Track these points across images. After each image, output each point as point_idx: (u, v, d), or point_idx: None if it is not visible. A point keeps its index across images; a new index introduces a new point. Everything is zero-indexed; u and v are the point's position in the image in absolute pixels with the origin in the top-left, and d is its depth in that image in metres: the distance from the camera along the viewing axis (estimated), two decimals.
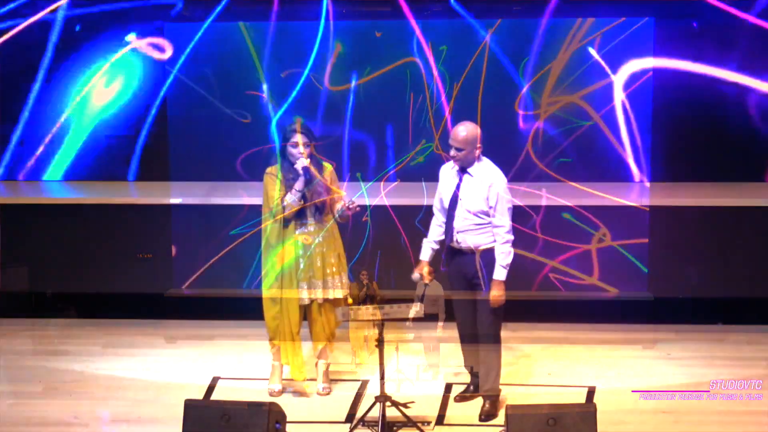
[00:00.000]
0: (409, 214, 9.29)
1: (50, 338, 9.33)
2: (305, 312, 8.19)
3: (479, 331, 7.88)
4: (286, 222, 8.01)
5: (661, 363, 8.67)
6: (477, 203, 7.75)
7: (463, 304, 7.92)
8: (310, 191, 8.00)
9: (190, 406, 7.35)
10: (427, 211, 8.08)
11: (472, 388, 8.16)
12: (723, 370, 8.47)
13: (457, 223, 7.79)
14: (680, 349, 8.88)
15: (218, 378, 8.58)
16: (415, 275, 7.94)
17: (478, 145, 7.73)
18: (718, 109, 9.22)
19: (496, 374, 7.95)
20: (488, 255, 7.77)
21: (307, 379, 8.29)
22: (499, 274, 7.75)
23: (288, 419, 7.47)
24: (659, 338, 9.05)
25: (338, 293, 8.12)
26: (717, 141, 9.26)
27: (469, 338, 8.02)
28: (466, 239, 7.79)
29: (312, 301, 8.11)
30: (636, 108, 9.34)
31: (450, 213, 7.81)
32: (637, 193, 9.32)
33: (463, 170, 7.79)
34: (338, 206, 8.04)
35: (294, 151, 7.95)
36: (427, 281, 7.92)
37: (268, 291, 8.09)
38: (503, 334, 8.98)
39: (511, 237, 7.77)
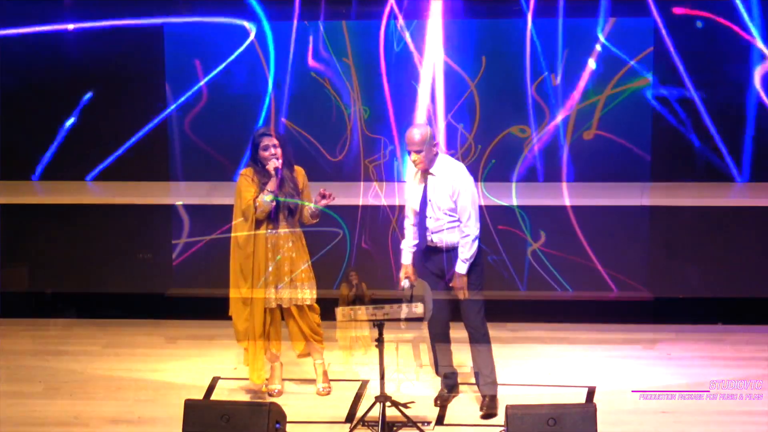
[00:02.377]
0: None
1: (50, 338, 9.33)
2: (282, 314, 8.20)
3: (468, 329, 7.91)
4: (257, 224, 8.01)
5: (661, 363, 8.67)
6: (445, 201, 7.79)
7: (438, 302, 7.93)
8: (282, 193, 7.98)
9: (190, 406, 7.35)
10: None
11: (446, 391, 8.15)
12: (723, 370, 8.47)
13: (431, 224, 7.85)
14: (680, 349, 8.88)
15: (218, 378, 8.58)
16: (404, 282, 7.93)
17: (435, 142, 7.80)
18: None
19: (491, 369, 7.96)
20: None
21: (266, 382, 8.26)
22: (460, 267, 7.80)
23: (288, 419, 7.48)
24: (659, 338, 9.05)
25: (306, 299, 8.10)
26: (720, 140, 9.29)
27: (440, 337, 8.04)
28: (441, 239, 7.83)
29: (279, 305, 8.11)
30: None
31: (422, 215, 7.86)
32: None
33: (426, 172, 7.84)
34: (310, 204, 7.99)
35: (265, 153, 7.95)
36: (414, 283, 7.96)
37: (238, 293, 8.08)
38: (503, 334, 9.01)
39: (474, 231, 7.78)
